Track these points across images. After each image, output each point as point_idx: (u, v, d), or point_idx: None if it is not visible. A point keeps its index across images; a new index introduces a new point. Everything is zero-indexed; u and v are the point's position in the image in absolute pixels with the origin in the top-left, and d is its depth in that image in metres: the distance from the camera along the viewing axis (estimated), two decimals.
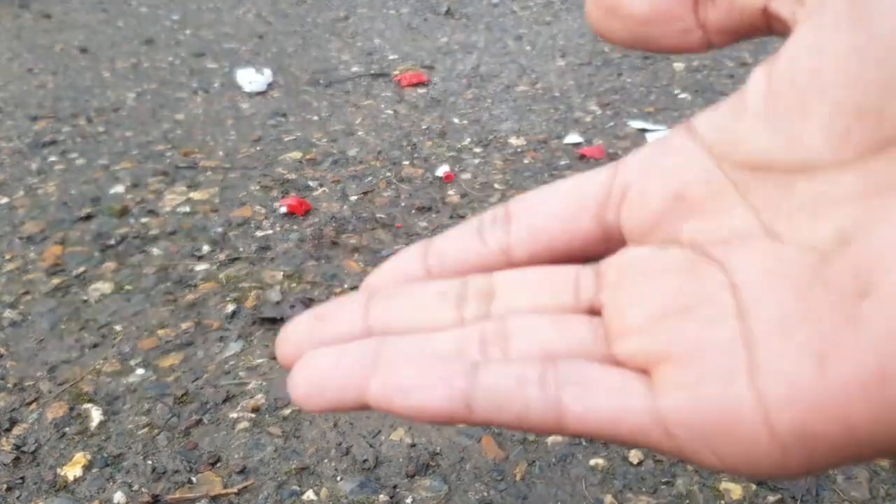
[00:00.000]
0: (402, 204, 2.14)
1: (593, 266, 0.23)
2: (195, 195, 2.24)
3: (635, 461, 1.25)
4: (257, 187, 2.27)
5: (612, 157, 2.38)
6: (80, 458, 1.30)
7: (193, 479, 1.25)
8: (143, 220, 2.10)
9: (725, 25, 0.21)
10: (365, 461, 1.27)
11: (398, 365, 0.21)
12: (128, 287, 1.78)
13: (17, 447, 1.32)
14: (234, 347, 1.56)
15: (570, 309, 0.22)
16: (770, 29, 0.21)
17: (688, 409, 0.18)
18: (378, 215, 2.07)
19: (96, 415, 1.39)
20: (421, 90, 3.13)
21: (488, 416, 0.20)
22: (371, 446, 1.30)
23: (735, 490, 1.19)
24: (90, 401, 1.43)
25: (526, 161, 2.40)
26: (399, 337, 0.23)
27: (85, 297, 1.75)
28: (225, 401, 1.41)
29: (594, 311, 0.22)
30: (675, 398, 0.18)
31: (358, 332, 0.23)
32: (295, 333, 0.24)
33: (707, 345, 0.18)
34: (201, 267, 1.86)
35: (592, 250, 0.24)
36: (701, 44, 0.22)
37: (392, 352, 0.22)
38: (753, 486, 1.20)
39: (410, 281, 0.25)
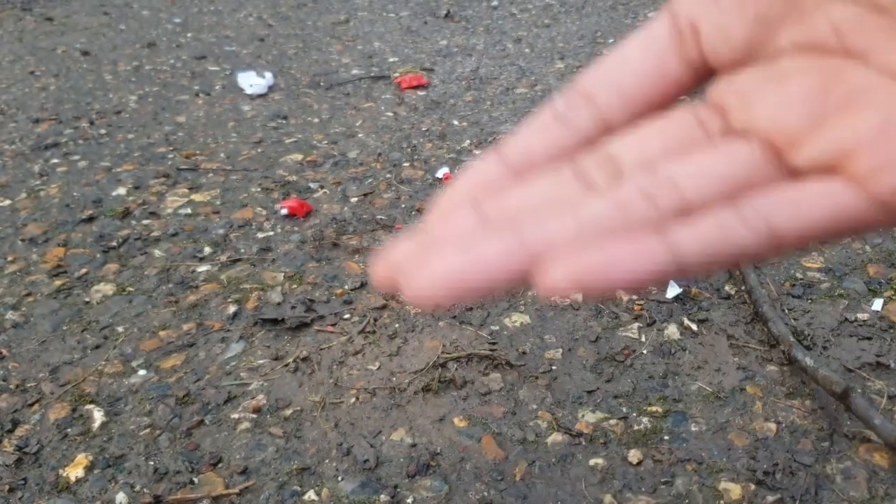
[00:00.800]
0: (403, 205, 2.15)
1: (701, 101, 0.23)
2: (197, 197, 2.25)
3: (634, 461, 1.26)
4: (258, 189, 2.28)
5: None
6: (82, 458, 1.30)
7: (195, 479, 1.25)
8: (145, 221, 2.11)
9: None
10: (366, 461, 1.27)
11: (569, 245, 0.19)
12: (130, 288, 1.79)
13: (20, 448, 1.33)
14: (236, 348, 1.57)
15: (710, 142, 0.22)
16: None
17: None
18: (378, 217, 2.07)
19: (98, 416, 1.40)
20: (421, 92, 3.13)
21: (704, 266, 0.19)
22: (372, 446, 1.30)
23: (734, 490, 1.20)
24: (92, 402, 1.43)
25: None
26: (536, 217, 0.20)
27: (87, 299, 1.75)
28: (226, 401, 1.42)
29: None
30: (888, 182, 0.19)
31: (479, 229, 0.21)
32: (397, 252, 0.21)
33: (887, 119, 0.19)
34: (203, 268, 1.86)
35: (684, 91, 0.23)
36: None
37: (540, 230, 0.20)
38: (752, 486, 1.20)
39: (495, 183, 0.23)
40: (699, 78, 0.23)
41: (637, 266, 0.18)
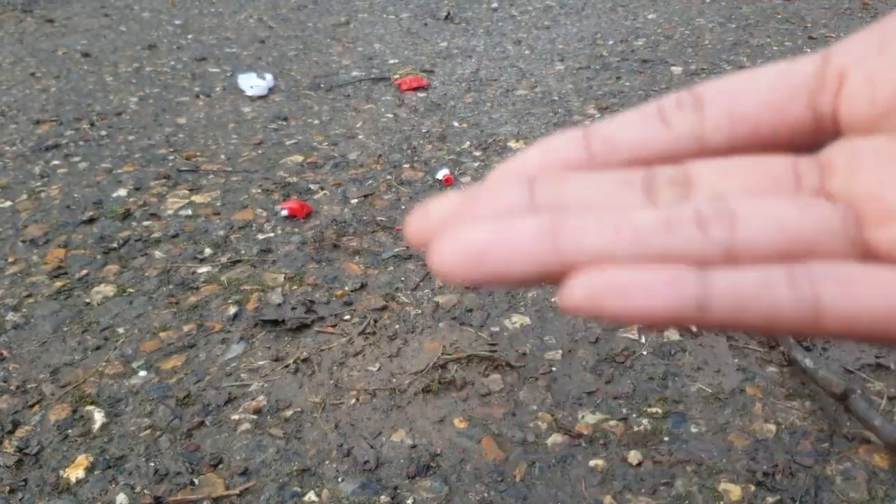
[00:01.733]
0: (403, 207, 2.15)
1: (808, 156, 0.21)
2: (197, 198, 2.25)
3: (634, 462, 1.26)
4: (259, 190, 2.28)
5: None
6: (83, 459, 1.31)
7: (195, 480, 1.26)
8: (146, 223, 2.11)
9: None
10: (366, 462, 1.27)
11: (601, 257, 0.18)
12: (130, 289, 1.79)
13: (20, 449, 1.33)
14: (236, 349, 1.57)
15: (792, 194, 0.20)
16: None
17: None
18: (378, 218, 2.08)
19: (98, 417, 1.40)
20: (421, 94, 3.14)
21: (726, 319, 0.17)
22: (372, 447, 1.31)
23: (734, 491, 1.20)
24: (92, 403, 1.43)
25: None
26: (581, 213, 0.19)
27: (87, 300, 1.75)
28: (227, 402, 1.42)
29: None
30: None
31: (521, 211, 0.20)
32: (438, 209, 0.21)
33: None
34: (203, 269, 1.86)
35: (799, 141, 0.21)
36: None
37: (578, 226, 0.19)
38: (752, 487, 1.21)
39: (570, 167, 0.22)
40: (819, 133, 0.21)
41: (660, 297, 0.17)
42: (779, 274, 0.18)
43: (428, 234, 0.20)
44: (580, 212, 0.19)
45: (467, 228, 0.19)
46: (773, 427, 1.32)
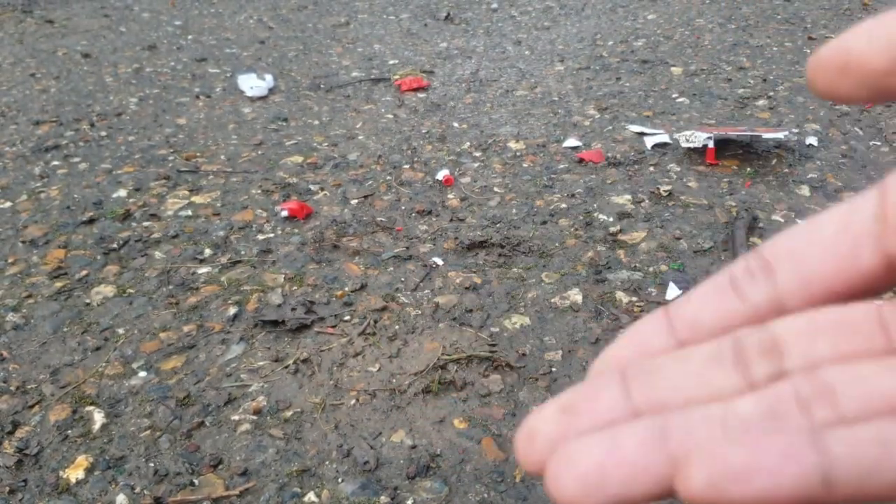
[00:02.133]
0: (403, 207, 2.15)
1: (888, 300, 0.21)
2: (197, 199, 2.25)
3: None
4: (259, 191, 2.29)
5: (611, 161, 2.39)
6: (83, 460, 1.31)
7: (195, 481, 1.26)
8: (146, 223, 2.11)
9: None
10: (366, 463, 1.28)
11: (712, 444, 0.18)
12: (130, 290, 1.79)
13: (20, 450, 1.33)
14: (236, 350, 1.57)
15: (887, 351, 0.20)
16: None
17: None
18: (378, 219, 2.08)
19: (98, 417, 1.40)
20: (421, 95, 3.14)
21: (853, 491, 0.17)
22: (372, 448, 1.31)
23: None
24: (92, 403, 1.43)
25: (525, 165, 2.41)
26: (683, 411, 0.20)
27: (87, 301, 1.75)
28: (227, 403, 1.42)
29: None
30: None
31: (623, 417, 0.20)
32: (543, 430, 0.21)
33: None
34: (203, 270, 1.87)
35: (874, 287, 0.21)
36: None
37: (684, 428, 0.19)
38: None
39: (657, 351, 0.22)
40: (894, 273, 0.21)
41: (783, 471, 0.17)
42: (892, 427, 0.17)
43: (539, 457, 0.20)
44: (682, 411, 0.20)
45: (580, 451, 0.19)
46: None
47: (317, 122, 2.87)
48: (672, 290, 1.69)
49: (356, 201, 2.20)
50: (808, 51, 3.39)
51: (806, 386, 0.19)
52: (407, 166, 2.43)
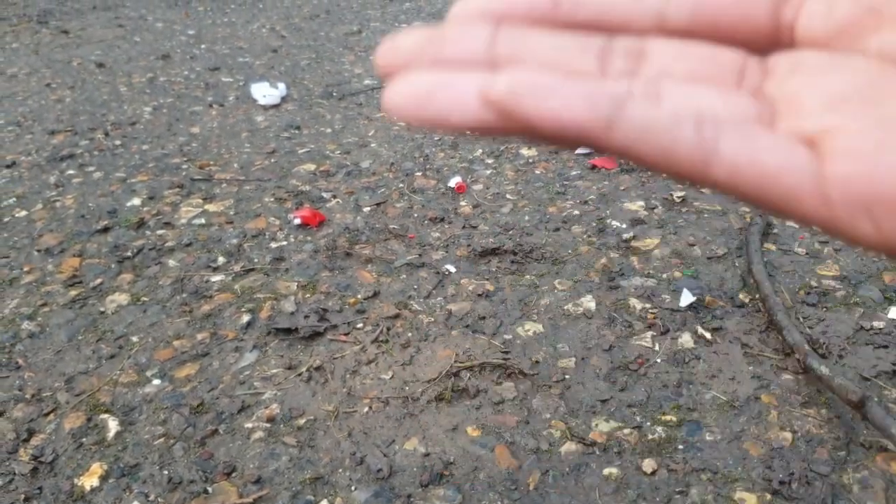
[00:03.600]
0: (415, 215, 2.15)
1: (758, 58, 0.22)
2: (210, 207, 2.26)
3: (649, 470, 1.25)
4: (272, 199, 2.29)
5: (624, 167, 2.38)
6: (97, 468, 1.31)
7: (209, 488, 1.26)
8: (160, 231, 2.12)
9: None
10: (379, 471, 1.27)
11: (531, 71, 0.19)
12: (144, 298, 1.80)
13: (35, 457, 1.34)
14: (250, 357, 1.57)
15: (731, 89, 0.21)
16: None
17: (857, 177, 0.18)
18: (391, 226, 2.08)
19: (113, 425, 1.41)
20: None
21: (628, 142, 0.18)
22: (385, 456, 1.30)
23: (750, 500, 1.19)
24: (107, 411, 1.44)
25: (537, 171, 2.41)
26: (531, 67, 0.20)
27: (102, 309, 1.77)
28: (240, 411, 1.42)
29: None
30: (846, 165, 0.18)
31: (481, 60, 0.21)
32: (404, 45, 0.22)
33: (892, 121, 0.18)
34: (216, 278, 1.87)
35: (754, 44, 0.22)
36: None
37: (516, 67, 0.20)
38: (768, 496, 1.19)
39: (533, 13, 0.22)
40: (775, 41, 0.22)
41: (575, 106, 0.18)
42: (689, 117, 0.19)
43: (392, 68, 0.21)
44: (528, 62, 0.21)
45: (422, 74, 0.20)
46: (788, 435, 1.31)
47: (329, 130, 2.88)
48: (686, 297, 1.68)
49: (369, 209, 2.20)
50: None
51: (641, 85, 0.20)
52: (419, 173, 2.43)
